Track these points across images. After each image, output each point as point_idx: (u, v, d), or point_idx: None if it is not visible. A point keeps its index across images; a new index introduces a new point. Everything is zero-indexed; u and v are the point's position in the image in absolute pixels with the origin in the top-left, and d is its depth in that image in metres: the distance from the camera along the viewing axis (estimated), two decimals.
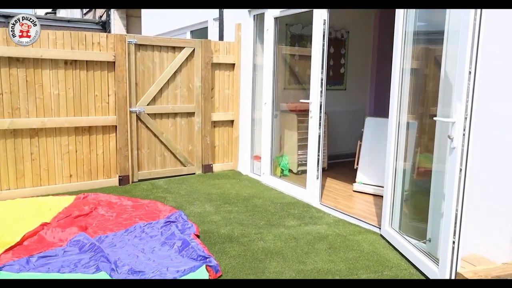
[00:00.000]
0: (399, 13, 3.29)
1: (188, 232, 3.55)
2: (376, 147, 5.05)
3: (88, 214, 3.97)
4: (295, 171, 5.79)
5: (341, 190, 5.14)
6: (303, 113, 5.96)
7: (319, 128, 4.40)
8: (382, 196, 4.84)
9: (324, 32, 4.23)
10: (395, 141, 3.44)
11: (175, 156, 5.49)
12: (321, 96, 4.33)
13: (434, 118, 2.70)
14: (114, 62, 4.87)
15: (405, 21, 3.27)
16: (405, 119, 3.40)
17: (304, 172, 5.83)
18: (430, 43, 3.39)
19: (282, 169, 5.65)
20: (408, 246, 3.26)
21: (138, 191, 4.87)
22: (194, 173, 5.67)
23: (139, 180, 5.27)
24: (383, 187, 4.88)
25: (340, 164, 6.49)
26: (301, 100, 4.65)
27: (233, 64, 5.80)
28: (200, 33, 7.25)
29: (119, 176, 5.07)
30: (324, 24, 4.21)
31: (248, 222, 3.94)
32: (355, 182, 5.12)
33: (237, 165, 5.99)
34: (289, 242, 3.47)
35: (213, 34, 6.48)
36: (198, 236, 3.53)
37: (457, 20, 2.78)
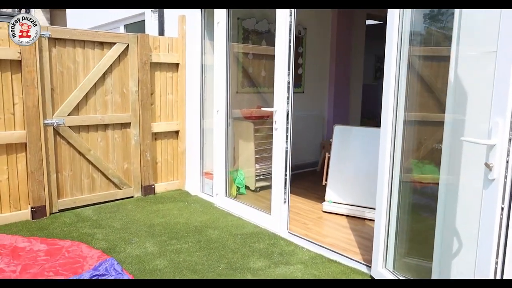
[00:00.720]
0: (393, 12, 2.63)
1: None
2: (347, 160, 4.39)
3: None
4: (252, 188, 5.00)
5: (309, 211, 4.42)
6: (260, 120, 5.20)
7: (286, 141, 3.63)
8: (356, 217, 4.22)
9: (290, 25, 3.46)
10: (390, 156, 2.75)
11: (107, 178, 4.45)
12: (288, 103, 3.57)
13: (462, 139, 2.02)
14: (20, 61, 3.74)
15: (401, 20, 2.62)
16: (401, 126, 2.72)
17: (264, 188, 5.06)
18: (427, 43, 2.77)
19: (237, 186, 4.83)
20: None
21: (58, 227, 3.78)
22: (132, 197, 4.66)
23: (60, 211, 4.17)
24: (357, 206, 4.27)
25: (301, 176, 5.80)
26: (263, 108, 3.85)
27: (177, 64, 4.87)
28: (136, 27, 6.21)
29: (32, 208, 3.94)
30: (290, 15, 3.44)
31: (203, 267, 3.07)
32: (324, 200, 4.43)
33: (185, 183, 5.06)
34: None
35: (151, 28, 5.49)
36: None
37: (473, 16, 2.16)
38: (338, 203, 4.34)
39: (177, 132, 4.98)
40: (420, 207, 2.95)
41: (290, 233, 3.71)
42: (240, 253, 3.31)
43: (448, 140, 2.45)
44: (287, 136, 3.62)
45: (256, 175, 5.07)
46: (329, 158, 4.49)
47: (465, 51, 2.30)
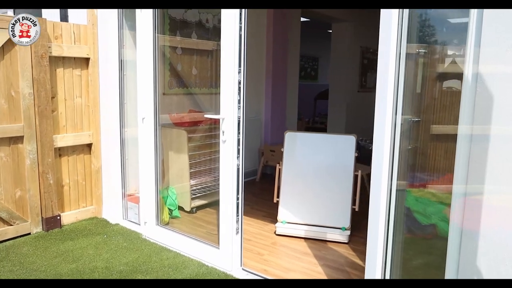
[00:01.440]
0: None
1: None
2: (302, 172, 3.77)
3: None
4: (187, 208, 4.17)
5: (259, 234, 3.72)
6: (194, 126, 4.39)
7: (238, 157, 2.87)
8: (317, 240, 3.61)
9: (240, 10, 2.71)
10: (389, 170, 2.17)
11: None
12: (239, 108, 2.81)
13: None
14: None
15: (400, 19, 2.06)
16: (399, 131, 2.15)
17: (201, 208, 4.25)
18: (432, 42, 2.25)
19: (169, 208, 3.96)
20: None
21: None
22: (29, 234, 3.52)
23: None
24: (317, 226, 3.64)
25: None
26: (207, 115, 3.05)
27: (87, 59, 3.83)
28: (29, 10, 4.94)
29: None
30: None
31: None
32: (276, 221, 3.77)
33: (102, 210, 4.03)
34: None
35: (50, 11, 4.33)
36: None
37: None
38: (294, 223, 3.70)
39: (89, 146, 3.93)
40: (422, 230, 2.43)
41: (245, 270, 2.97)
42: None
43: (465, 149, 1.94)
44: (238, 150, 2.86)
45: (192, 193, 4.25)
46: (280, 170, 3.83)
47: (490, 43, 1.79)
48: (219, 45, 4.59)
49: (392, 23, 2.03)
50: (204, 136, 4.38)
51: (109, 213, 3.97)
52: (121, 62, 3.76)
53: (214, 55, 4.76)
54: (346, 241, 3.50)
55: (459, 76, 2.34)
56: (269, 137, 5.95)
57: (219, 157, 2.96)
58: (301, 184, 3.75)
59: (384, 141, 2.12)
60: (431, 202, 2.53)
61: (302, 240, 3.59)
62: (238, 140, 2.85)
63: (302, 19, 7.41)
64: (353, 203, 3.59)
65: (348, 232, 3.52)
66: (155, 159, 3.52)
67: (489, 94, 1.80)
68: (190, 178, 4.23)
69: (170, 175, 4.30)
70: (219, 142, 2.92)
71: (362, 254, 3.29)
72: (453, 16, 2.19)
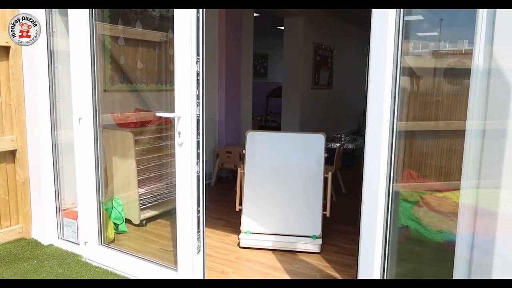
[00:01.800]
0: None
1: None
2: (267, 177, 3.40)
3: None
4: (136, 221, 3.66)
5: (221, 248, 3.30)
6: (141, 127, 3.87)
7: (198, 162, 2.43)
8: (285, 251, 3.26)
9: None
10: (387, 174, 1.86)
11: None
12: (198, 105, 2.37)
13: None
14: None
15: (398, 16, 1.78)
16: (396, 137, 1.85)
17: (152, 220, 3.76)
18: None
19: (115, 223, 3.43)
20: None
21: None
22: None
23: None
24: (284, 235, 3.28)
25: None
26: (159, 114, 2.57)
27: (7, 48, 3.17)
28: None
29: None
30: None
31: None
32: (239, 231, 3.37)
33: (31, 229, 3.38)
34: None
35: None
36: None
37: None
38: (260, 233, 3.32)
39: (13, 153, 3.27)
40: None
41: None
42: None
43: (475, 146, 1.67)
44: (198, 155, 2.42)
45: (141, 203, 3.73)
46: (243, 174, 3.43)
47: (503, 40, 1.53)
48: (167, 36, 4.06)
49: (389, 21, 1.74)
50: (153, 138, 3.87)
51: (40, 233, 3.34)
52: (50, 53, 3.15)
53: (162, 48, 4.26)
54: (318, 251, 3.18)
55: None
56: (223, 137, 5.54)
57: (170, 161, 2.52)
58: (266, 189, 3.38)
59: (381, 144, 1.81)
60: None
61: (270, 252, 3.22)
62: (198, 142, 2.40)
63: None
64: (324, 208, 3.29)
65: (320, 241, 3.21)
66: (96, 165, 2.97)
67: (506, 90, 1.54)
68: (138, 186, 3.72)
69: (115, 183, 3.75)
70: (170, 145, 2.48)
71: (336, 265, 2.99)
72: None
